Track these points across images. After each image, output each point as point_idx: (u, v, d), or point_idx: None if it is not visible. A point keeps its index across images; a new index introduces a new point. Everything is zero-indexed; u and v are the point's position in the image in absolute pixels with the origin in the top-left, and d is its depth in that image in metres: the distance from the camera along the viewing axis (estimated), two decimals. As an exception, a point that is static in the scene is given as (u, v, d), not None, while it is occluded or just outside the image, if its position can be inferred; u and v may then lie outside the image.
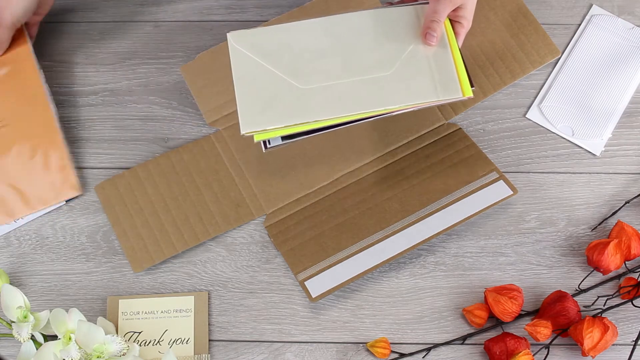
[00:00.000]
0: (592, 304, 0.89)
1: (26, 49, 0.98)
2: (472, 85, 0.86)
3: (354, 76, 0.86)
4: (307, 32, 0.88)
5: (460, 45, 0.89)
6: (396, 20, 0.89)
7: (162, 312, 0.90)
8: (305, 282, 0.89)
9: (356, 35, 0.88)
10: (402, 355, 0.88)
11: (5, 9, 0.94)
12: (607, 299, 0.89)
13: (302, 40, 0.88)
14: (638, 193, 0.94)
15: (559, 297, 0.87)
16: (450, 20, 0.89)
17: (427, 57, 0.87)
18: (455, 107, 0.98)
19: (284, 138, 0.85)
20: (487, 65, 1.00)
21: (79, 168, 0.97)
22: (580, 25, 1.03)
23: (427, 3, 0.89)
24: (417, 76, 0.86)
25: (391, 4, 0.94)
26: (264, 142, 0.85)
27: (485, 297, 0.88)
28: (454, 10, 0.88)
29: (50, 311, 0.86)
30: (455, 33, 0.89)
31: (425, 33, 0.87)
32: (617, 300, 0.89)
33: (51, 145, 0.95)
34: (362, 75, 0.86)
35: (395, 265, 0.92)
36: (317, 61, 0.87)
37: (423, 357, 0.88)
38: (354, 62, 0.87)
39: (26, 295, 0.87)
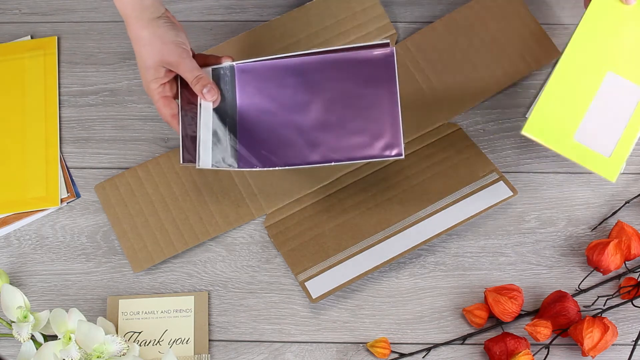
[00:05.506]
0: (592, 304, 0.89)
1: None
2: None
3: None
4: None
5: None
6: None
7: (162, 312, 0.90)
8: (305, 283, 0.89)
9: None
10: (402, 355, 0.88)
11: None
12: (607, 299, 0.89)
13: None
14: (638, 193, 0.94)
15: (559, 297, 0.87)
16: None
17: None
18: (456, 107, 0.98)
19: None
20: (487, 65, 0.99)
21: (80, 168, 0.97)
22: (580, 25, 1.03)
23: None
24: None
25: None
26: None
27: (485, 297, 0.88)
28: None
29: (50, 311, 0.86)
30: None
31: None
32: (617, 300, 0.89)
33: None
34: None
35: (395, 265, 0.92)
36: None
37: (423, 357, 0.88)
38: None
39: (26, 295, 0.87)
